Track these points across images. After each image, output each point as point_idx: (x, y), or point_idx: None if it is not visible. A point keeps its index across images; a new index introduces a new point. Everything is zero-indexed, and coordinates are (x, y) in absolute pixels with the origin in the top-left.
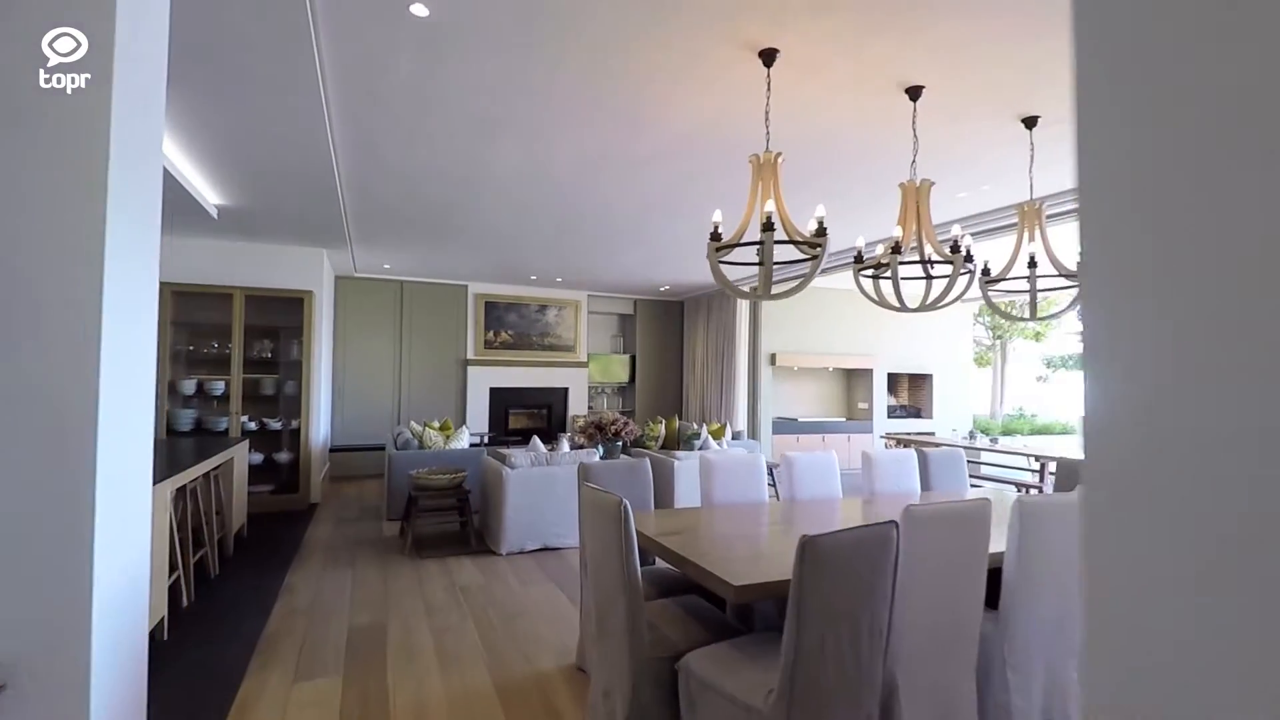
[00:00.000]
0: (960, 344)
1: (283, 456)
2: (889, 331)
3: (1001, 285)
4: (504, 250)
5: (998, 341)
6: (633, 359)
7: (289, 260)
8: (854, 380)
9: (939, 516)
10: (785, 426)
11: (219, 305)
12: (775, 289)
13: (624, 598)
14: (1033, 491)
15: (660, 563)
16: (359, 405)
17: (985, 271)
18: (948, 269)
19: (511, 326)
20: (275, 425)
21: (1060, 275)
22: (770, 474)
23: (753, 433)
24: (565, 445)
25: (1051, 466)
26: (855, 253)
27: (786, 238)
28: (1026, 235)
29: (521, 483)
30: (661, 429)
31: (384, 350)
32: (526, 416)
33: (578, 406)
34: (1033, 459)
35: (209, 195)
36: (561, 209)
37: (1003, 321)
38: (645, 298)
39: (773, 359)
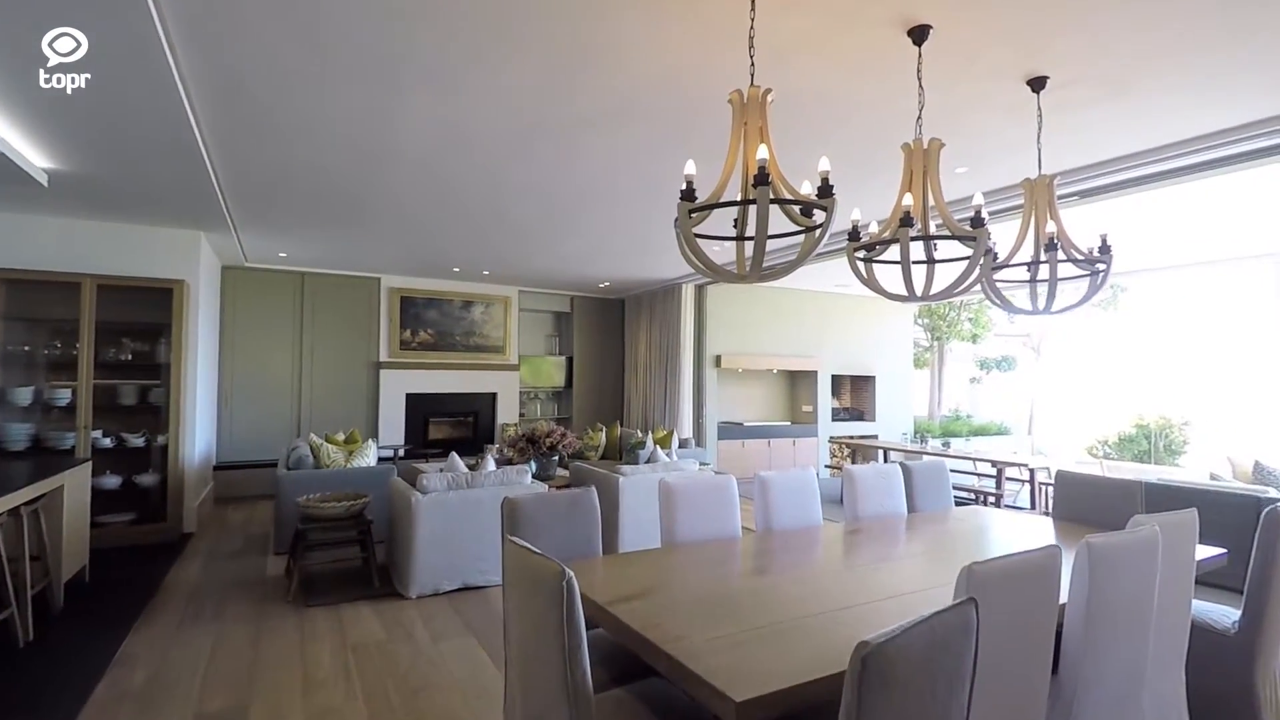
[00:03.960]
0: (902, 345)
1: (147, 479)
2: (833, 333)
3: (1003, 274)
4: (421, 237)
5: (935, 343)
6: (569, 361)
7: (155, 244)
8: (798, 383)
9: (1005, 575)
10: (730, 431)
11: (63, 296)
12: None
13: (565, 711)
14: (990, 500)
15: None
16: (251, 415)
17: (993, 256)
18: (955, 248)
19: (432, 325)
20: (137, 441)
21: (1070, 261)
22: None
23: (699, 439)
24: (490, 461)
25: (1011, 471)
26: (849, 230)
27: (778, 198)
28: (1035, 215)
29: (435, 510)
30: (602, 438)
31: (281, 351)
32: (449, 426)
33: (508, 414)
34: (989, 464)
35: (31, 156)
36: (487, 187)
37: (940, 323)
38: (583, 295)
39: (718, 360)
